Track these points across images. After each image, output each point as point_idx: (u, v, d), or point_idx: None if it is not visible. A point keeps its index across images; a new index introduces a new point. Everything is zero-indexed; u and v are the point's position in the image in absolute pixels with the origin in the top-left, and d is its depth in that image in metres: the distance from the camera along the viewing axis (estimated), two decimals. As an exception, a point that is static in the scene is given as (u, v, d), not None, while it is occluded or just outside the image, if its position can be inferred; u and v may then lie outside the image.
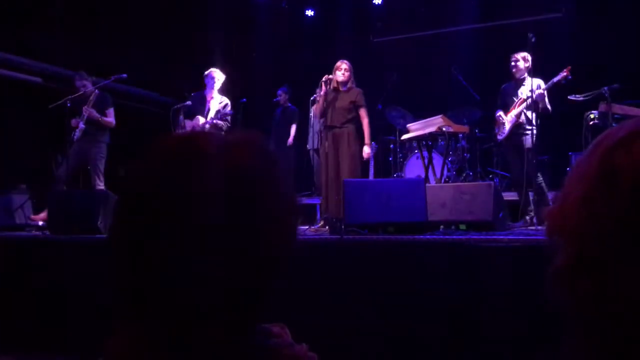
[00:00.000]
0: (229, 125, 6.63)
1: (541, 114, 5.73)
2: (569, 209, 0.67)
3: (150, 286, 0.72)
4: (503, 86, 6.22)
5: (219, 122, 6.39)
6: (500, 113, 6.06)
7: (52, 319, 3.97)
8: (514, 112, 5.87)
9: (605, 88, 5.59)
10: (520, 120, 5.83)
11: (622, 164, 0.63)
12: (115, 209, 0.77)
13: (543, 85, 5.69)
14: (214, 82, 6.53)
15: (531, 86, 5.65)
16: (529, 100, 5.68)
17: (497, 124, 6.11)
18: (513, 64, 5.98)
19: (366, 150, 5.79)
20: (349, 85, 5.83)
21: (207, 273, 0.72)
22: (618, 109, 5.61)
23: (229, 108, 6.51)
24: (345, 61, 5.89)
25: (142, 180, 0.76)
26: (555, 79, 5.63)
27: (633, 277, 0.60)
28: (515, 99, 5.92)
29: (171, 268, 0.71)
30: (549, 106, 5.71)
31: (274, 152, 0.81)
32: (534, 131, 5.71)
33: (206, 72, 6.61)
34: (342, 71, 5.78)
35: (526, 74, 5.93)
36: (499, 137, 6.07)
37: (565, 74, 5.58)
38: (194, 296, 0.72)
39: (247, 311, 0.77)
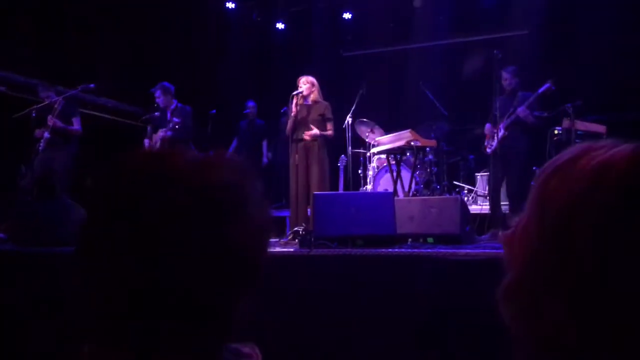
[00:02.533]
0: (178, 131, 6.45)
1: (531, 127, 5.77)
2: (517, 233, 0.69)
3: (117, 305, 0.72)
4: (494, 99, 6.25)
5: (170, 132, 6.32)
6: (490, 126, 6.11)
7: (16, 332, 3.88)
8: (502, 125, 5.90)
9: (569, 105, 5.74)
10: (507, 134, 5.85)
11: (554, 190, 0.65)
12: (83, 226, 0.76)
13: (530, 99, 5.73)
14: (162, 98, 6.52)
15: (520, 100, 5.73)
16: (515, 115, 5.74)
17: (487, 136, 6.15)
18: (506, 79, 6.00)
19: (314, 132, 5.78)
20: (313, 98, 5.89)
21: (176, 291, 0.71)
22: (581, 125, 5.76)
23: (177, 117, 6.37)
24: (305, 77, 5.96)
25: (112, 197, 0.75)
26: (540, 91, 5.69)
27: (555, 300, 0.62)
28: (504, 112, 5.91)
29: (139, 286, 0.71)
30: (534, 120, 5.74)
31: (247, 169, 0.81)
32: (523, 145, 5.76)
33: (153, 89, 6.58)
34: (300, 86, 5.87)
35: (516, 87, 5.99)
36: (488, 150, 6.09)
37: (548, 85, 5.66)
38: (162, 315, 0.72)
39: (216, 330, 0.76)
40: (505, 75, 6.00)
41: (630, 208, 0.59)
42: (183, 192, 0.72)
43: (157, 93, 6.55)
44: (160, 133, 6.39)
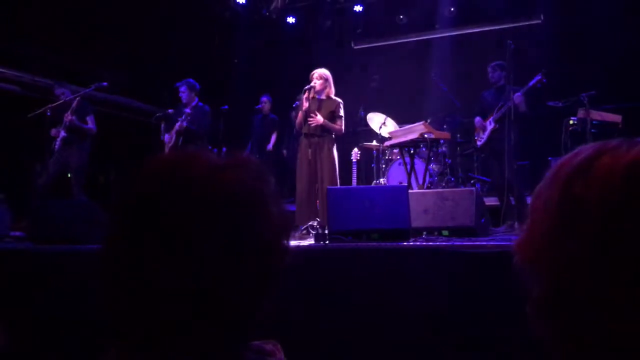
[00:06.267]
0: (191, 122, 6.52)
1: (521, 118, 5.76)
2: (539, 241, 0.66)
3: (143, 308, 0.73)
4: (483, 93, 6.29)
5: (185, 122, 6.37)
6: (480, 119, 6.12)
7: (35, 334, 3.91)
8: (492, 119, 5.93)
9: (584, 94, 5.68)
10: (498, 127, 5.87)
11: (583, 194, 0.62)
12: (109, 233, 0.77)
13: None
14: (187, 93, 6.57)
15: (510, 94, 5.72)
16: (506, 108, 5.72)
17: (476, 130, 6.18)
18: (490, 73, 6.10)
19: (319, 119, 5.64)
20: (326, 93, 5.81)
21: (201, 292, 0.73)
22: (596, 115, 5.71)
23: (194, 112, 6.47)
24: (318, 70, 5.84)
25: (136, 203, 0.76)
26: (531, 83, 5.72)
27: (607, 310, 0.59)
28: (494, 105, 5.97)
29: (166, 288, 0.72)
30: (526, 110, 5.77)
31: (265, 172, 0.83)
32: (512, 137, 5.72)
33: (178, 84, 6.63)
34: (313, 81, 5.75)
35: (504, 82, 6.00)
36: (478, 143, 6.13)
37: (539, 77, 5.66)
38: (187, 315, 0.72)
39: (239, 329, 0.77)
40: (488, 69, 6.16)
41: None
42: (205, 196, 0.74)
43: (183, 88, 6.61)
44: (177, 125, 6.43)
